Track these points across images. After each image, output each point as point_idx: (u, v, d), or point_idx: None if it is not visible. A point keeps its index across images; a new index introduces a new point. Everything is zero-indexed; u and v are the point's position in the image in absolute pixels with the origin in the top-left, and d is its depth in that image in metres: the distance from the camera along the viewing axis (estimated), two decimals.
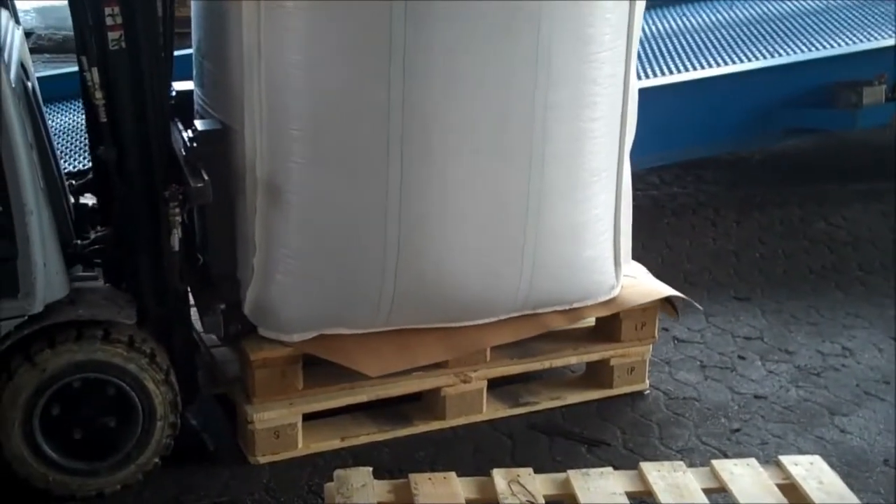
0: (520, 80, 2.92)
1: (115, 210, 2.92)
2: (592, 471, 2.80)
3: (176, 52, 5.74)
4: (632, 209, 3.41)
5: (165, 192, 2.78)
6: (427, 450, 3.15)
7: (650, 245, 4.52)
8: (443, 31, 2.81)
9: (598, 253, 3.24)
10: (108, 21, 2.71)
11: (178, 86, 3.12)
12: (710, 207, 5.12)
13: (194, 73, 3.17)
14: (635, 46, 3.14)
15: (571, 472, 2.78)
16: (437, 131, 2.89)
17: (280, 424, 3.05)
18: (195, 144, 2.92)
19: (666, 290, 3.40)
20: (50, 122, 5.09)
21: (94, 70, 2.74)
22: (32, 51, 7.42)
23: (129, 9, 2.72)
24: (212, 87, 3.05)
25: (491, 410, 3.29)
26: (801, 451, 3.13)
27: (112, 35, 2.73)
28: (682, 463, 2.85)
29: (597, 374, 3.43)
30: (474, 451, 3.15)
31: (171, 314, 2.97)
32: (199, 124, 2.95)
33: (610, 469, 2.82)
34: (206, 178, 2.81)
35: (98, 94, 2.76)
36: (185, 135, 2.98)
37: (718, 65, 5.16)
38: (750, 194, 5.27)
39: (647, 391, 3.46)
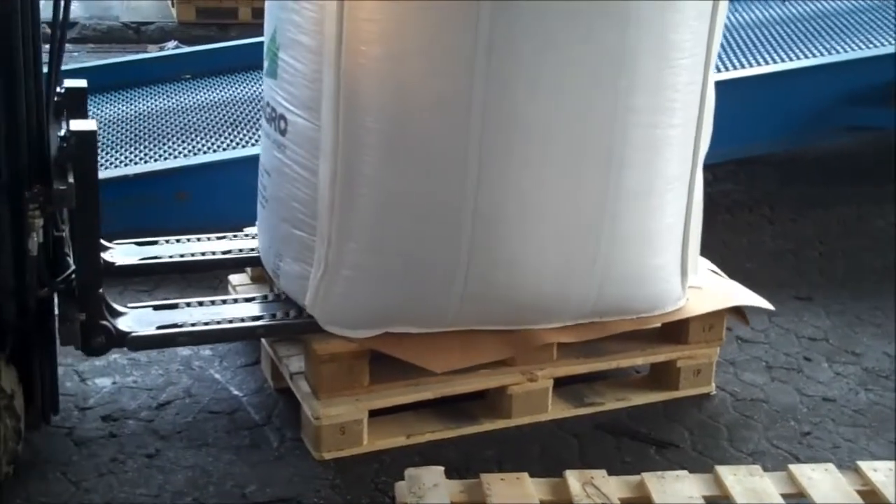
0: (602, 84, 2.88)
1: None
2: (668, 474, 2.75)
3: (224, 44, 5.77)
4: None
5: (27, 194, 2.67)
6: (493, 448, 3.11)
7: (707, 243, 4.40)
8: (529, 34, 2.78)
9: (666, 262, 3.20)
10: None
11: (70, 83, 3.02)
12: (766, 205, 5.05)
13: (266, 64, 3.14)
14: (715, 53, 3.10)
15: (646, 475, 2.74)
16: (518, 132, 2.86)
17: (346, 420, 3.02)
18: (66, 145, 2.78)
19: (734, 299, 3.35)
20: (96, 112, 5.11)
21: None
22: (76, 41, 7.47)
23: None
24: (286, 80, 3.01)
25: (556, 410, 3.24)
26: (873, 456, 3.08)
27: None
28: (758, 467, 2.80)
29: (662, 375, 3.38)
30: (541, 451, 3.11)
31: (31, 326, 2.83)
32: (73, 124, 2.77)
33: (685, 472, 2.77)
34: (70, 181, 2.69)
35: None
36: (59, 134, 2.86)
37: (775, 61, 5.10)
38: (806, 192, 5.20)
39: (714, 393, 3.40)
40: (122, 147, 4.71)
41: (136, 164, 4.50)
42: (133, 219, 4.22)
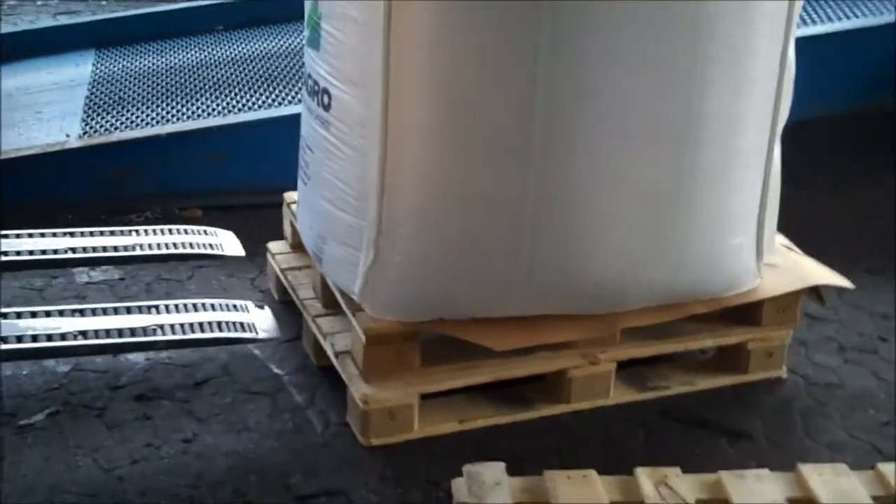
0: (679, 55, 2.67)
1: None
2: (747, 473, 2.54)
3: None
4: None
5: None
6: (552, 436, 2.91)
7: None
8: (599, 7, 2.56)
9: (743, 241, 2.99)
10: None
11: None
12: (828, 171, 4.77)
13: (307, 34, 2.91)
14: (797, 15, 2.87)
15: (724, 474, 2.53)
16: (586, 109, 2.64)
17: (396, 405, 2.82)
18: None
19: (811, 278, 3.14)
20: (126, 65, 4.91)
21: None
22: None
23: None
24: (330, 52, 2.79)
25: (618, 394, 3.04)
26: None
27: None
28: (844, 466, 2.58)
29: (731, 358, 3.16)
30: (603, 440, 2.91)
31: None
32: None
33: (766, 471, 2.56)
34: None
35: None
36: None
37: (832, 21, 4.86)
38: (870, 158, 4.91)
39: (785, 376, 3.19)
40: (152, 103, 4.51)
41: (168, 122, 4.29)
42: (166, 181, 4.06)
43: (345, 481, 2.72)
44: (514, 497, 2.44)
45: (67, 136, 4.23)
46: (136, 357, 3.15)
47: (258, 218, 3.88)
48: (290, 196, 3.42)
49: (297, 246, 3.38)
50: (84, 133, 4.26)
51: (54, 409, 2.94)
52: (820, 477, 2.52)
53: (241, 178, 4.06)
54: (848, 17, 4.88)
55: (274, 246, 3.48)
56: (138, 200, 4.05)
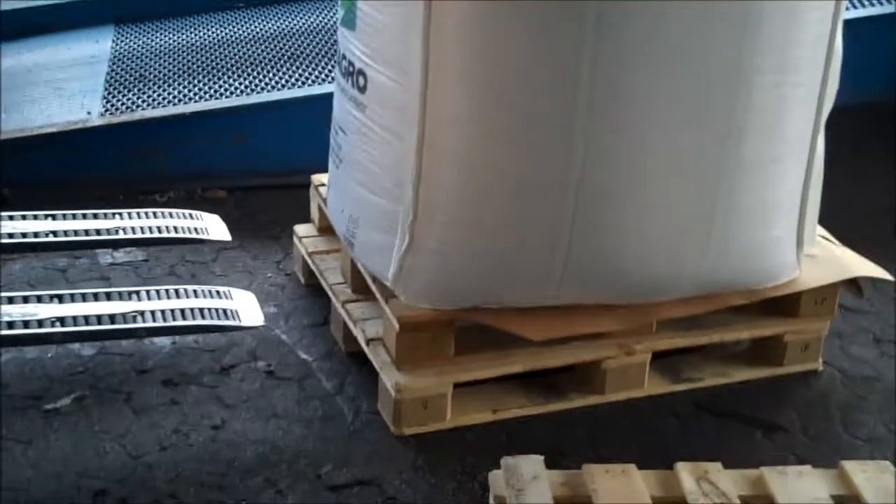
0: (726, 44, 2.61)
1: None
2: (789, 469, 2.49)
3: None
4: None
5: None
6: (586, 427, 2.86)
7: None
8: None
9: (784, 232, 2.93)
10: None
11: None
12: (852, 158, 4.69)
13: (341, 13, 2.84)
14: (844, 3, 2.80)
15: (765, 470, 2.48)
16: (631, 100, 2.58)
17: (429, 394, 2.78)
18: None
19: (851, 269, 3.08)
20: (146, 42, 4.84)
21: None
22: None
23: None
24: (366, 32, 2.72)
25: (651, 386, 2.99)
26: None
27: None
28: (888, 463, 2.53)
29: (766, 350, 3.11)
30: (638, 432, 2.86)
31: None
32: None
33: (808, 467, 2.51)
34: None
35: None
36: None
37: (865, 6, 4.78)
38: (892, 146, 4.85)
39: (821, 369, 3.14)
40: (174, 80, 4.44)
41: (191, 100, 4.23)
42: (188, 161, 4.01)
43: (377, 471, 2.67)
44: (553, 489, 2.39)
45: (89, 113, 4.17)
46: (162, 341, 3.11)
47: (283, 199, 3.82)
48: (318, 178, 3.37)
49: (325, 229, 3.33)
50: (105, 111, 4.19)
51: (80, 394, 2.90)
52: (863, 474, 2.47)
53: (266, 158, 4.01)
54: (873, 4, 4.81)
55: (300, 229, 3.43)
56: (160, 180, 4.00)
